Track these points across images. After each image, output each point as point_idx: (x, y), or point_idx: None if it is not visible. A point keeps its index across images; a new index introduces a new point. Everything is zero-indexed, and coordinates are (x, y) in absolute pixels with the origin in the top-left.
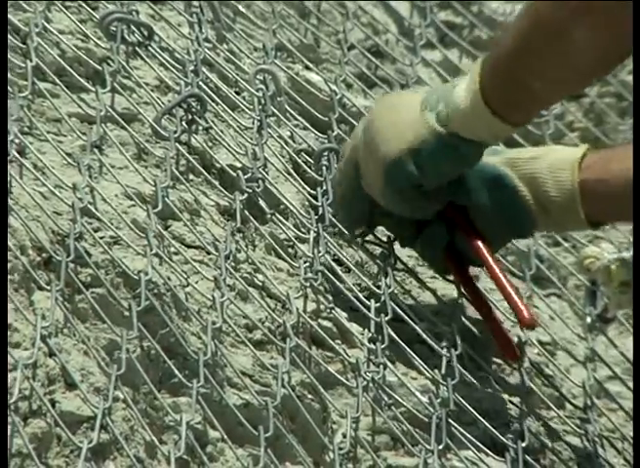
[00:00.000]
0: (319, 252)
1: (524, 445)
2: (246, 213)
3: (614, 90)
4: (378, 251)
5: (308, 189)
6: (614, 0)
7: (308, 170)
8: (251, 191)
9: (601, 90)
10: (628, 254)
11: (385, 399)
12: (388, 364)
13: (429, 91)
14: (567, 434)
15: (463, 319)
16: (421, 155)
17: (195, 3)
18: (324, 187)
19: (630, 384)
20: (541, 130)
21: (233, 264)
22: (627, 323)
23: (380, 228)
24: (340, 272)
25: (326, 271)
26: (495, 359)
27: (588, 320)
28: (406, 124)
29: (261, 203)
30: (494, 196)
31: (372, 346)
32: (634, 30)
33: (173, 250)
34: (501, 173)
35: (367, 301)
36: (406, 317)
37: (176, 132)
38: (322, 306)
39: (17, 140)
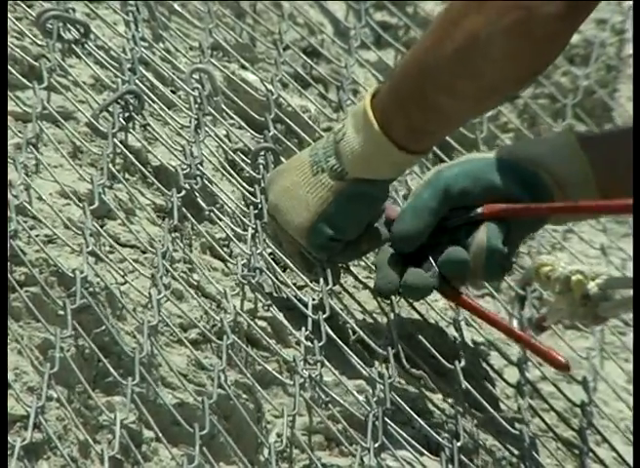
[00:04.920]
0: (257, 249)
1: (459, 444)
2: (183, 210)
3: (547, 91)
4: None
5: (246, 187)
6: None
7: (246, 167)
8: (189, 188)
9: (535, 91)
10: (585, 267)
11: (322, 397)
12: (325, 362)
13: (312, 151)
14: (501, 434)
15: (400, 318)
16: (333, 216)
17: (131, 2)
18: (262, 185)
19: (562, 385)
20: (475, 132)
21: (169, 263)
22: (555, 327)
23: None
24: (277, 270)
25: (263, 269)
26: (431, 358)
27: (515, 324)
28: (306, 195)
29: (199, 200)
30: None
31: (309, 344)
32: (634, 30)
33: (108, 248)
34: (511, 160)
35: (304, 299)
36: (343, 315)
37: (113, 128)
38: (259, 305)
39: None
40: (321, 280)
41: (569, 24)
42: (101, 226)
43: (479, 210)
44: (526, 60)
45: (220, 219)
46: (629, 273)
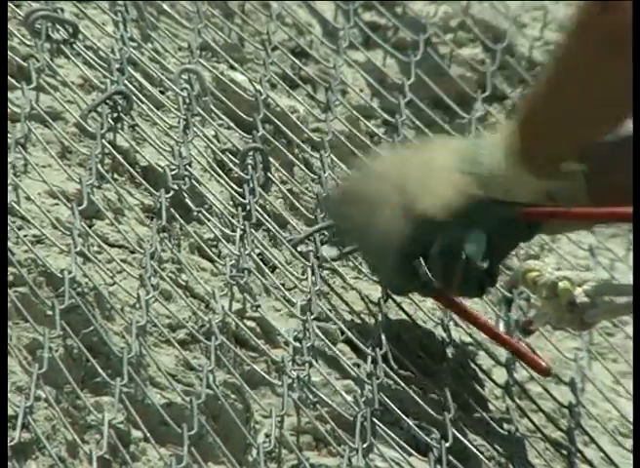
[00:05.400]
0: (245, 250)
1: (447, 445)
2: (172, 211)
3: None
4: (303, 250)
5: (235, 187)
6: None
7: (234, 168)
8: (177, 188)
9: (523, 92)
10: (572, 273)
11: (311, 397)
12: (313, 362)
13: (457, 151)
14: (489, 434)
15: (388, 318)
16: (462, 215)
17: (120, 2)
18: (251, 185)
19: (549, 386)
20: (464, 133)
21: (158, 263)
22: (543, 328)
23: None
24: (266, 270)
25: (252, 269)
26: (419, 359)
27: (501, 326)
28: (443, 188)
29: (187, 201)
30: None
31: (297, 345)
32: (634, 30)
33: (97, 248)
34: None
35: (293, 300)
36: (331, 316)
37: (102, 129)
38: (247, 305)
39: None
40: (309, 281)
41: None
42: (90, 226)
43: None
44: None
45: (209, 220)
46: (618, 274)
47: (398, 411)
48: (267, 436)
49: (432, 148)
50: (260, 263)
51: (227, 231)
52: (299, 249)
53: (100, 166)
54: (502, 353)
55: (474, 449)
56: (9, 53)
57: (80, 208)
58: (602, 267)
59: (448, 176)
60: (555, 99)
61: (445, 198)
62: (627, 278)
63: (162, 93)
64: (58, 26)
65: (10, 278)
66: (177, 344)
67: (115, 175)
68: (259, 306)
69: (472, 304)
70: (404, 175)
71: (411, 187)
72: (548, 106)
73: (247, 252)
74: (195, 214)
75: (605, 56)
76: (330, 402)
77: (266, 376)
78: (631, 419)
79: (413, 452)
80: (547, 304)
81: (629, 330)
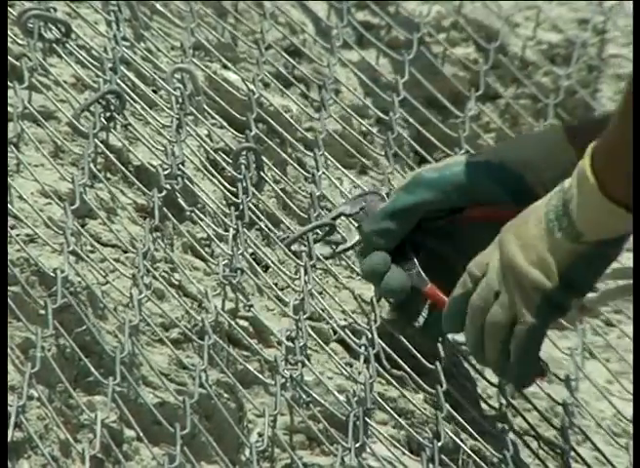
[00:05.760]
0: (238, 249)
1: (440, 444)
2: (164, 210)
3: (529, 91)
4: (296, 249)
5: (227, 187)
6: None
7: (227, 167)
8: (170, 188)
9: (516, 91)
10: None
11: (303, 397)
12: (306, 362)
13: (547, 208)
14: (482, 434)
15: (381, 318)
16: (574, 282)
17: (113, 1)
18: (244, 185)
19: (543, 385)
20: (457, 132)
21: (150, 263)
22: None
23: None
24: (259, 270)
25: (245, 269)
26: (411, 358)
27: None
28: (546, 254)
29: (180, 200)
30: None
31: (290, 344)
32: (634, 31)
33: (89, 248)
34: (495, 163)
35: (285, 299)
36: (324, 315)
37: (95, 128)
38: (240, 305)
39: None
40: (302, 280)
41: None
42: (83, 226)
43: (459, 214)
44: None
45: (202, 219)
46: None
47: (391, 411)
48: (260, 435)
49: (524, 217)
50: (253, 263)
51: (220, 231)
52: (292, 248)
53: (92, 165)
54: None
55: (467, 449)
56: None
57: (73, 207)
58: None
59: (547, 243)
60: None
61: (552, 266)
62: (625, 263)
63: (155, 92)
64: (50, 26)
65: None
66: (169, 343)
67: (108, 175)
68: (251, 306)
69: None
70: (508, 255)
71: (518, 264)
72: (627, 140)
73: (240, 251)
74: (188, 213)
75: None
76: (323, 401)
77: (259, 376)
78: (625, 418)
79: (405, 452)
80: None
81: (623, 328)
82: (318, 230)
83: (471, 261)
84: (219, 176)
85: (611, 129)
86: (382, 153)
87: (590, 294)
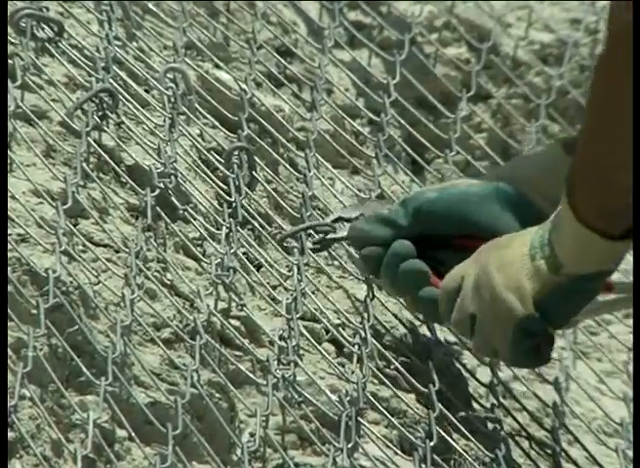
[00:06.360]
0: (231, 248)
1: (432, 444)
2: (157, 209)
3: (520, 91)
4: (289, 248)
5: (221, 186)
6: None
7: (219, 166)
8: (162, 188)
9: (508, 91)
10: None
11: (296, 397)
12: (298, 362)
13: (535, 234)
14: (474, 433)
15: (374, 317)
16: (549, 311)
17: (105, 1)
18: (236, 184)
19: (534, 385)
20: (448, 133)
21: (143, 262)
22: None
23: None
24: (251, 269)
25: (237, 268)
26: (404, 358)
27: None
28: (523, 279)
29: (173, 200)
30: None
31: (282, 344)
32: (634, 31)
33: (81, 247)
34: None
35: (278, 299)
36: (317, 314)
37: (87, 126)
38: (232, 304)
39: None
40: (295, 279)
41: None
42: (75, 225)
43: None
44: None
45: (194, 219)
46: None
47: (383, 410)
48: (252, 435)
49: (508, 239)
50: (246, 262)
51: (213, 230)
52: (284, 244)
53: (84, 164)
54: None
55: (459, 448)
56: None
57: (65, 207)
58: None
59: (527, 269)
60: (597, 145)
61: (528, 293)
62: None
63: (147, 91)
64: (43, 25)
65: None
66: (161, 343)
67: (100, 174)
68: (244, 305)
69: None
70: (486, 283)
71: (497, 295)
72: (593, 153)
73: (232, 250)
74: (180, 212)
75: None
76: (315, 401)
77: (251, 376)
78: (615, 418)
79: (397, 451)
80: None
81: (613, 329)
82: (313, 232)
83: (447, 275)
84: (211, 176)
85: (577, 149)
86: (374, 154)
87: None
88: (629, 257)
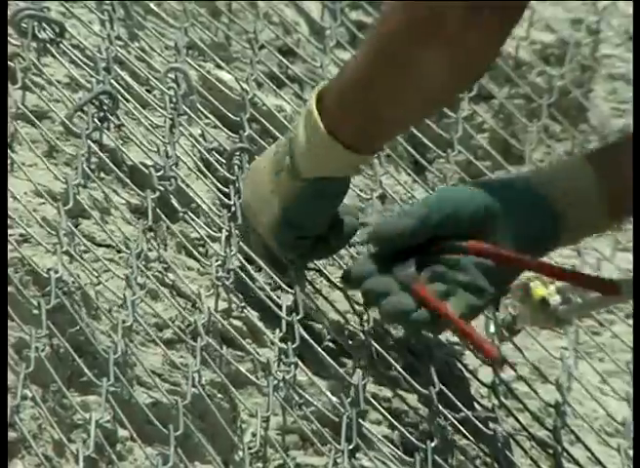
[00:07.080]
0: (231, 250)
1: (433, 445)
2: (157, 211)
3: (522, 91)
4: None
5: (220, 187)
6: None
7: (220, 168)
8: (163, 189)
9: (510, 91)
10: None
11: (296, 398)
12: (299, 363)
13: (275, 149)
14: (475, 434)
15: (374, 318)
16: (296, 216)
17: (107, 1)
18: (236, 185)
19: (536, 385)
20: (450, 132)
21: (144, 263)
22: (529, 327)
23: None
24: (251, 271)
25: (238, 270)
26: (405, 359)
27: (492, 327)
28: (271, 195)
29: (173, 201)
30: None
31: (283, 345)
32: (634, 31)
33: (83, 248)
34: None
35: (278, 300)
36: (318, 316)
37: (88, 128)
38: (233, 305)
39: None
40: (295, 281)
41: (479, 29)
42: (76, 226)
43: (464, 243)
44: (458, 70)
45: (195, 220)
46: (604, 273)
47: (384, 411)
48: (253, 435)
49: (258, 162)
50: (246, 263)
51: (213, 231)
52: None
53: (86, 165)
54: None
55: (460, 449)
56: None
57: (66, 207)
58: (589, 267)
59: (266, 185)
60: (364, 79)
61: (274, 206)
62: (611, 276)
63: (148, 92)
64: (44, 25)
65: None
66: (163, 344)
67: (101, 175)
68: (244, 306)
69: None
70: (244, 204)
71: (251, 213)
72: (357, 84)
73: (233, 252)
74: (181, 213)
75: (421, 45)
76: (316, 402)
77: (251, 377)
78: (617, 418)
79: (399, 452)
80: (523, 305)
81: (615, 329)
82: None
83: None
84: (211, 177)
85: (343, 76)
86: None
87: (563, 306)
88: (629, 257)
